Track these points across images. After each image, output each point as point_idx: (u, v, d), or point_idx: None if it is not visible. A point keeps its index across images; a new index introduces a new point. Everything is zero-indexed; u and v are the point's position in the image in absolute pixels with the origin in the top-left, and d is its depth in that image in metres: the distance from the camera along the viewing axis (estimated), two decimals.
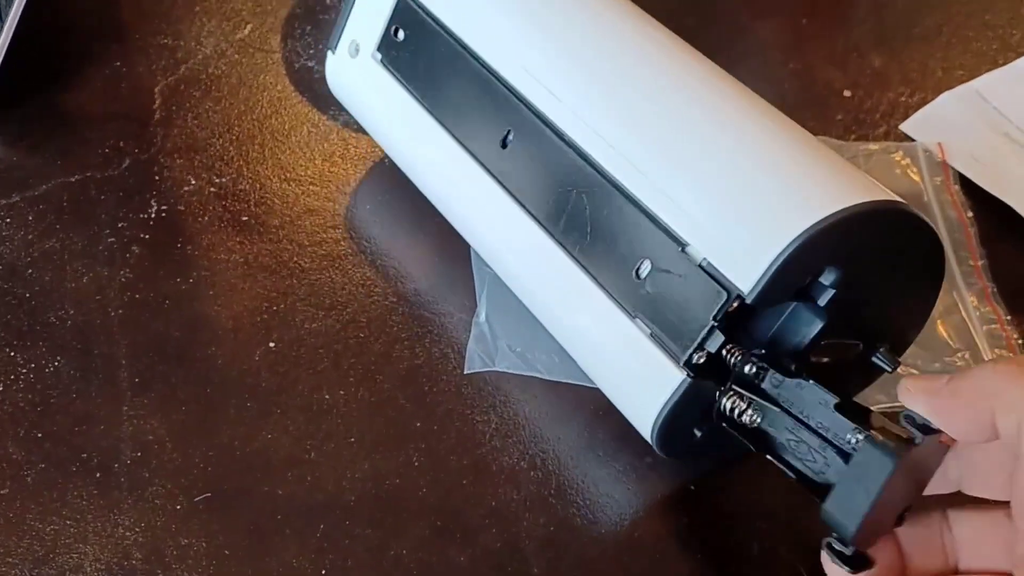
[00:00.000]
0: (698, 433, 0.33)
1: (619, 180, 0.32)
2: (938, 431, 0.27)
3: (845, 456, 0.28)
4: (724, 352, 0.30)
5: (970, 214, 0.45)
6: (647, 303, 0.32)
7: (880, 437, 0.27)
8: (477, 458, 0.36)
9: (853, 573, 0.27)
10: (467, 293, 0.41)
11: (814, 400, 0.29)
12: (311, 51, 0.52)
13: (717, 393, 0.31)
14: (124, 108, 0.48)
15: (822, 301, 0.30)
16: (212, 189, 0.45)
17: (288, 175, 0.46)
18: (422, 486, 0.35)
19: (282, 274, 0.42)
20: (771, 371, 0.30)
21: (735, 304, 0.29)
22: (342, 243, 0.43)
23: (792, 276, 0.29)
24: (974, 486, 0.29)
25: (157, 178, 0.45)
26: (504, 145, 0.36)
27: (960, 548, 0.29)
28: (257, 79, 0.50)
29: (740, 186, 0.31)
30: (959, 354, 0.40)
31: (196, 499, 0.34)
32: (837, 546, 0.28)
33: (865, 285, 0.31)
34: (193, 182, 0.45)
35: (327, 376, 0.38)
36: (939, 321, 0.41)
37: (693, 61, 0.35)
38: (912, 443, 0.27)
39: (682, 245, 0.31)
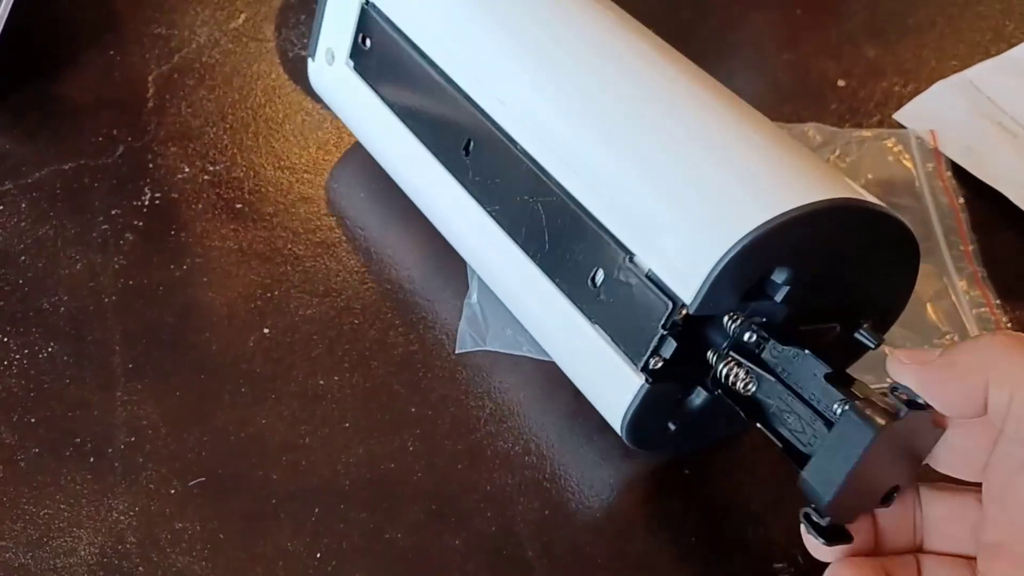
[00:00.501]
0: (672, 426, 0.33)
1: (569, 189, 0.32)
2: (926, 407, 0.27)
3: (830, 426, 0.28)
4: (725, 319, 0.30)
5: (961, 200, 0.46)
6: (603, 311, 0.32)
7: (862, 407, 0.26)
8: (472, 443, 0.36)
9: (828, 545, 0.27)
10: (460, 279, 0.41)
11: (808, 371, 0.29)
12: (305, 40, 0.52)
13: (715, 359, 0.31)
14: (118, 96, 0.48)
15: (778, 297, 0.30)
16: (206, 177, 0.45)
17: (282, 163, 0.46)
18: (417, 471, 0.35)
19: (276, 261, 0.42)
20: (770, 340, 0.30)
21: (683, 313, 0.29)
22: (336, 231, 0.43)
23: (736, 282, 0.29)
24: (946, 463, 0.28)
25: (151, 166, 0.45)
26: (467, 152, 0.36)
27: (928, 528, 0.29)
28: (251, 68, 0.50)
29: (685, 194, 0.30)
30: (948, 336, 0.40)
31: (190, 484, 0.34)
32: (814, 517, 0.27)
33: (825, 275, 0.30)
34: (187, 170, 0.45)
35: (322, 362, 0.38)
36: (929, 304, 0.41)
37: (647, 62, 0.34)
38: (896, 416, 0.26)
39: (629, 255, 0.31)
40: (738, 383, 0.30)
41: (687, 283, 0.29)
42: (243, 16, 0.53)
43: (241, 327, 0.39)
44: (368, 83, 0.41)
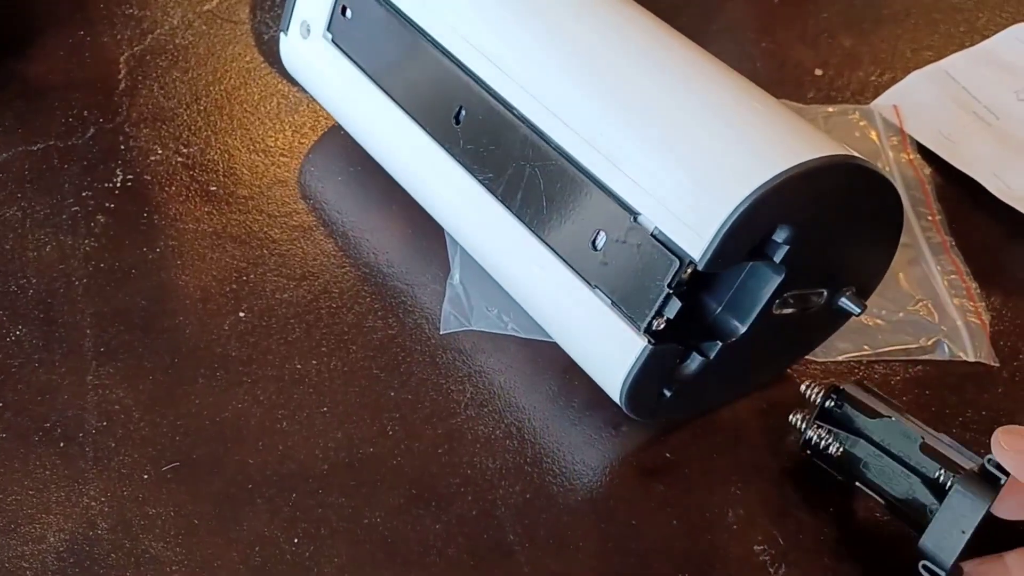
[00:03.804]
0: (667, 393, 0.33)
1: (569, 152, 0.32)
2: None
3: (930, 484, 0.31)
4: (803, 387, 0.33)
5: (927, 171, 0.47)
6: (605, 273, 0.32)
7: (969, 482, 0.30)
8: (452, 427, 0.36)
9: None
10: (440, 263, 0.40)
11: (896, 431, 0.32)
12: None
13: (803, 426, 0.33)
14: (88, 77, 0.47)
15: (777, 257, 0.30)
16: (179, 159, 0.44)
17: (257, 146, 0.45)
18: (396, 455, 0.35)
19: (252, 244, 0.41)
20: (846, 405, 0.33)
21: (688, 272, 0.29)
22: (313, 214, 0.42)
23: (743, 238, 0.29)
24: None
25: (122, 147, 0.44)
26: (457, 121, 0.36)
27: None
28: (226, 50, 0.49)
29: (687, 152, 0.31)
30: (921, 303, 0.41)
31: (164, 468, 0.33)
32: (934, 569, 0.31)
33: (822, 237, 0.31)
34: (160, 152, 0.44)
35: (299, 346, 0.37)
36: (900, 273, 0.42)
37: (641, 26, 0.35)
38: (999, 485, 0.30)
39: (634, 215, 0.31)
40: (830, 448, 0.33)
41: (696, 240, 0.29)
42: None
43: (216, 310, 0.38)
44: (348, 55, 0.40)
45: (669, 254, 0.30)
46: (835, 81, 0.52)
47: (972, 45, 0.54)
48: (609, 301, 0.32)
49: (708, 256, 0.29)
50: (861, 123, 0.49)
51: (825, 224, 0.31)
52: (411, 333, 0.38)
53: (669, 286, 0.30)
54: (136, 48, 0.49)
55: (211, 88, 0.47)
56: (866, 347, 0.39)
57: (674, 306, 0.30)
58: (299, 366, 0.37)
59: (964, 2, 0.58)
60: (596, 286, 0.32)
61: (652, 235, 0.30)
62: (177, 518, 0.32)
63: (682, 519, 0.34)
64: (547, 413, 0.37)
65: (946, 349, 0.39)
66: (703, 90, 0.32)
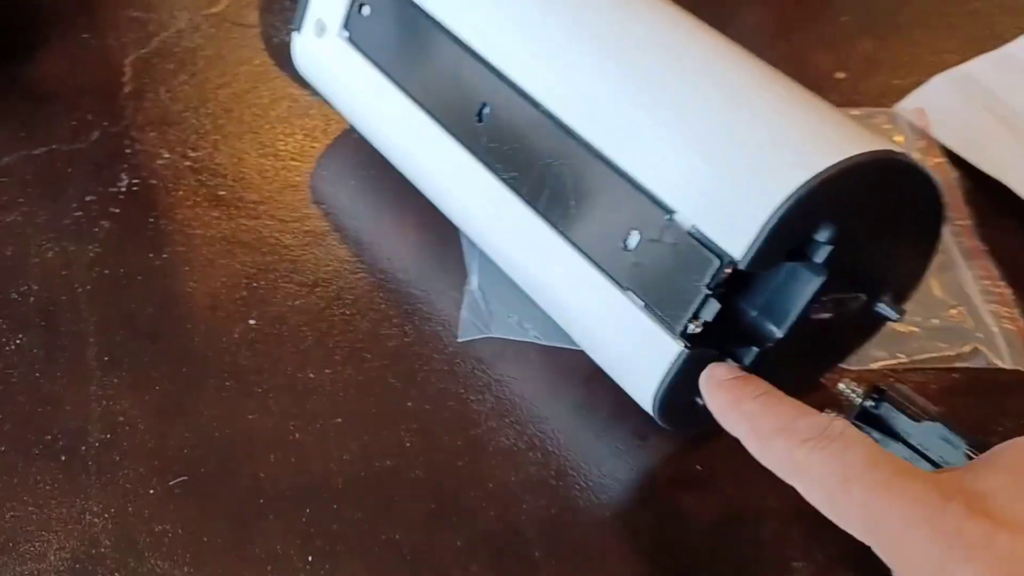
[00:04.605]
0: (700, 401, 0.31)
1: (600, 149, 0.31)
2: None
3: None
4: (842, 385, 0.32)
5: (955, 175, 0.45)
6: (638, 275, 0.30)
7: None
8: (472, 439, 0.34)
9: None
10: (457, 268, 0.39)
11: (937, 436, 0.31)
12: (290, 26, 0.50)
13: None
14: (93, 81, 0.46)
15: (819, 258, 0.29)
16: (187, 163, 0.43)
17: (267, 150, 0.44)
18: (415, 467, 0.33)
19: (262, 250, 0.39)
20: (884, 403, 0.32)
21: (728, 271, 0.28)
22: (325, 219, 0.41)
23: (787, 236, 0.28)
24: None
25: (128, 151, 0.43)
26: (480, 119, 0.34)
27: None
28: (234, 54, 0.48)
29: (726, 146, 0.29)
30: (955, 309, 0.39)
31: (171, 483, 0.32)
32: None
33: (863, 237, 0.30)
34: (167, 155, 0.43)
35: (312, 355, 0.36)
36: (933, 279, 0.40)
37: (673, 19, 0.33)
38: None
39: (669, 213, 0.29)
40: None
41: (737, 237, 0.27)
42: (224, 1, 0.51)
43: (225, 318, 0.37)
44: (365, 54, 0.39)
45: (708, 253, 0.28)
46: (857, 85, 0.51)
47: (992, 49, 0.53)
48: (642, 304, 0.30)
49: (751, 255, 0.27)
50: (887, 127, 0.47)
51: (868, 224, 0.29)
52: (428, 341, 0.37)
53: (708, 287, 0.28)
54: (142, 51, 0.48)
55: (219, 92, 0.46)
56: (900, 355, 0.37)
57: (712, 308, 0.29)
58: (312, 375, 0.35)
59: (983, 7, 0.57)
60: (628, 288, 0.30)
61: (689, 233, 0.29)
62: (185, 535, 0.31)
63: (714, 534, 0.32)
64: (571, 424, 0.35)
65: (983, 357, 0.38)
66: (738, 83, 0.30)
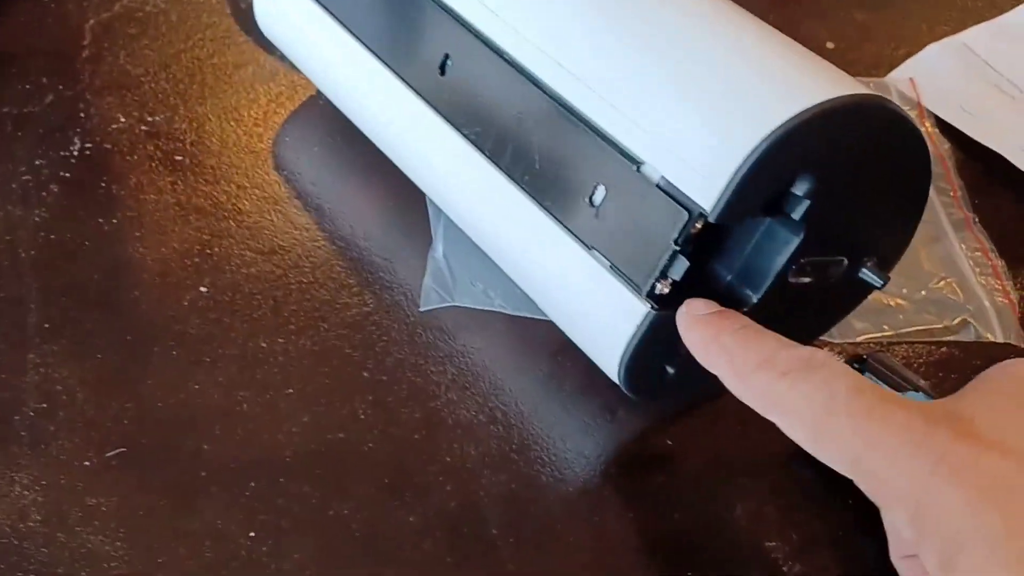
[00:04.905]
0: (670, 369, 0.29)
1: (566, 99, 0.29)
2: None
3: None
4: None
5: (946, 146, 0.44)
6: (604, 232, 0.28)
7: None
8: (430, 411, 0.32)
9: None
10: (422, 236, 0.37)
11: None
12: None
13: None
14: (50, 44, 0.44)
15: (796, 214, 0.27)
16: (144, 127, 0.41)
17: (230, 115, 0.42)
18: (368, 441, 0.31)
19: (218, 216, 0.38)
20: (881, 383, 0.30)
21: (698, 224, 0.26)
22: (286, 185, 0.39)
23: (760, 187, 0.26)
24: None
25: (82, 115, 0.41)
26: (443, 71, 0.32)
27: None
28: (199, 18, 0.46)
29: (697, 92, 0.27)
30: (945, 281, 0.38)
31: (108, 455, 0.30)
32: None
33: (844, 193, 0.28)
34: (123, 120, 0.41)
35: (265, 323, 0.34)
36: (922, 250, 0.38)
37: None
38: None
39: (637, 164, 0.27)
40: None
41: (707, 188, 0.26)
42: None
43: (176, 285, 0.35)
44: (324, 7, 0.37)
45: (676, 205, 0.26)
46: (847, 54, 0.49)
47: (990, 18, 0.51)
48: (608, 263, 0.28)
49: (721, 206, 0.25)
50: None
51: (848, 177, 0.27)
52: (388, 310, 0.35)
53: (676, 242, 0.26)
54: (103, 15, 0.46)
55: (181, 56, 0.44)
56: (886, 327, 0.36)
57: (680, 266, 0.27)
58: (264, 344, 0.34)
59: None
60: (593, 247, 0.29)
61: (657, 185, 0.27)
62: (120, 509, 0.29)
63: (685, 513, 0.31)
64: (536, 397, 0.33)
65: (972, 330, 0.36)
66: (711, 27, 0.28)
